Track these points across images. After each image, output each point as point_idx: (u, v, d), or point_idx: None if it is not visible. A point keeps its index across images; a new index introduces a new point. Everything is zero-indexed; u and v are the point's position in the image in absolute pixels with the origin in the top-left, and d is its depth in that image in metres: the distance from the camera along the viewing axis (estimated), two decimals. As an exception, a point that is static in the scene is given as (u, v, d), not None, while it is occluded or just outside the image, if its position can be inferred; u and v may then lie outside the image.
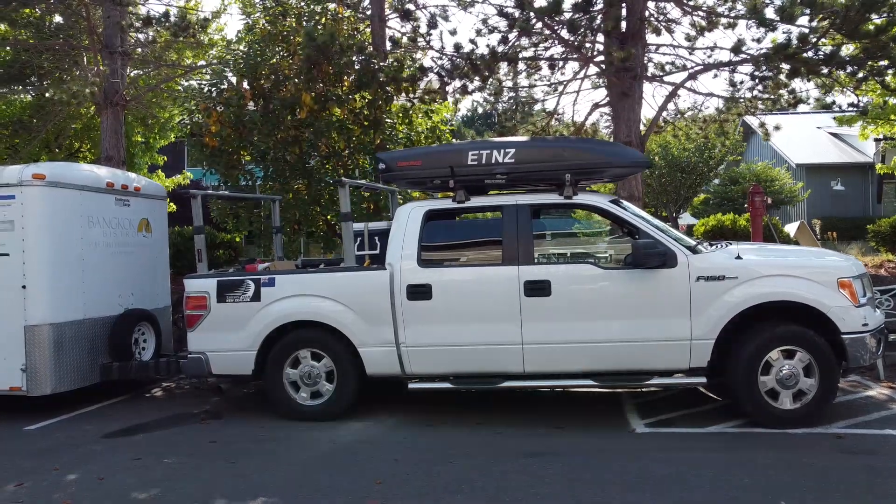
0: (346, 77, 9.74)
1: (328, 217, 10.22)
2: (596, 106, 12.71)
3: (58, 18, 14.01)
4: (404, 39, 9.05)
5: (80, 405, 7.41)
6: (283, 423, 6.50)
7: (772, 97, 10.95)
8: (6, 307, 6.91)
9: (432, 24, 8.57)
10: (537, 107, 14.91)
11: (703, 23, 11.11)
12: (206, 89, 10.49)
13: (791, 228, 17.80)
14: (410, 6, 8.21)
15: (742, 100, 12.23)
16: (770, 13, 9.94)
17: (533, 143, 6.90)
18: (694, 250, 6.06)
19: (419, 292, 6.30)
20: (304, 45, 8.71)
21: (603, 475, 4.84)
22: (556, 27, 8.50)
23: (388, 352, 6.38)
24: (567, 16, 9.23)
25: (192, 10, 11.38)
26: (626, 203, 6.66)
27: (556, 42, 9.52)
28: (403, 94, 10.12)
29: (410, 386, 6.37)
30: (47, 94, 15.31)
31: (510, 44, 9.05)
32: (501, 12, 8.48)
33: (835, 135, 32.67)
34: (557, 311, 6.08)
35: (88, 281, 7.40)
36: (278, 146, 9.50)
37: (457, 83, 9.96)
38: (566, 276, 6.16)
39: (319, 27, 9.72)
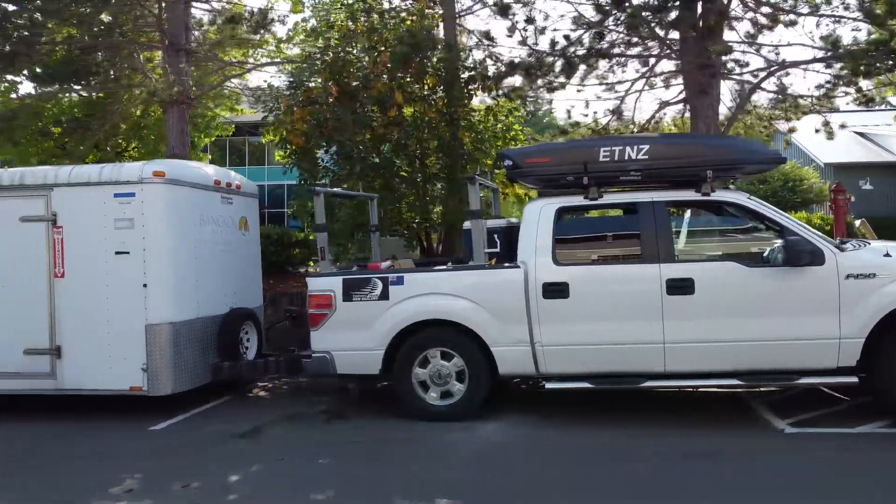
0: (428, 75, 9.63)
1: (415, 216, 10.13)
2: (665, 104, 12.66)
3: (105, 17, 13.93)
4: (497, 36, 8.97)
5: (190, 405, 7.31)
6: (413, 423, 6.40)
7: (852, 95, 10.85)
8: (126, 306, 6.82)
9: (529, 20, 8.48)
10: (599, 105, 14.79)
11: (786, 18, 11.00)
12: (285, 88, 10.38)
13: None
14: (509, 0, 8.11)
15: (811, 97, 12.17)
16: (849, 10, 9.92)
17: (667, 140, 6.85)
18: (840, 248, 5.98)
19: (555, 290, 6.21)
20: (399, 43, 8.62)
21: (774, 480, 4.72)
22: (650, 25, 8.39)
23: (522, 351, 6.30)
24: (649, 13, 9.15)
25: (271, 8, 11.30)
26: (759, 200, 6.57)
27: (644, 39, 9.42)
28: (484, 92, 10.04)
29: (548, 386, 6.28)
30: (100, 94, 15.29)
31: (603, 39, 8.96)
32: (599, 8, 8.39)
33: (861, 134, 32.59)
34: (701, 310, 5.99)
35: (201, 280, 7.32)
36: (367, 145, 9.39)
37: (539, 81, 9.88)
38: (710, 273, 6.08)
39: (404, 25, 9.66)
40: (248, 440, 6.12)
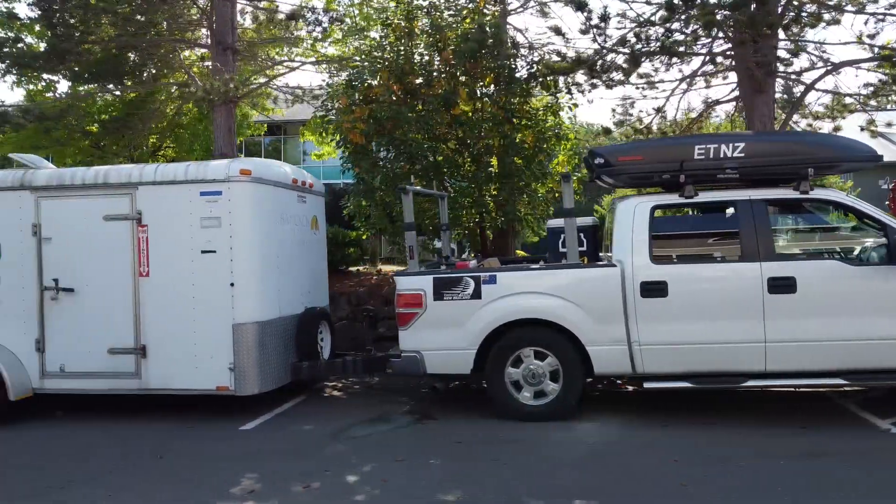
0: (490, 72, 9.57)
1: (474, 215, 10.07)
2: (716, 102, 12.62)
3: (147, 16, 13.85)
4: (569, 31, 8.91)
5: (270, 405, 7.26)
6: (504, 422, 6.36)
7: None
8: (213, 305, 6.77)
9: (604, 18, 8.44)
10: (644, 104, 14.76)
11: (828, 16, 10.95)
12: (342, 86, 10.32)
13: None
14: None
15: (858, 96, 12.13)
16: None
17: (763, 138, 6.79)
18: (943, 246, 5.93)
19: (654, 289, 6.17)
20: (466, 40, 8.57)
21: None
22: (722, 25, 8.33)
23: (618, 350, 6.25)
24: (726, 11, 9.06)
25: (333, 7, 11.26)
26: (855, 197, 6.53)
27: (713, 37, 9.37)
28: (543, 89, 9.99)
29: (646, 385, 6.24)
30: (134, 93, 15.22)
31: (672, 37, 8.91)
32: (670, 6, 8.33)
33: (880, 134, 32.55)
34: (804, 308, 5.95)
35: (281, 279, 7.28)
36: (428, 143, 9.34)
37: (598, 78, 9.83)
38: (813, 272, 6.03)
39: (464, 23, 9.61)
40: (348, 441, 6.07)
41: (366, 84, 9.68)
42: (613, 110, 13.40)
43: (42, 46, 12.84)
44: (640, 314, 6.20)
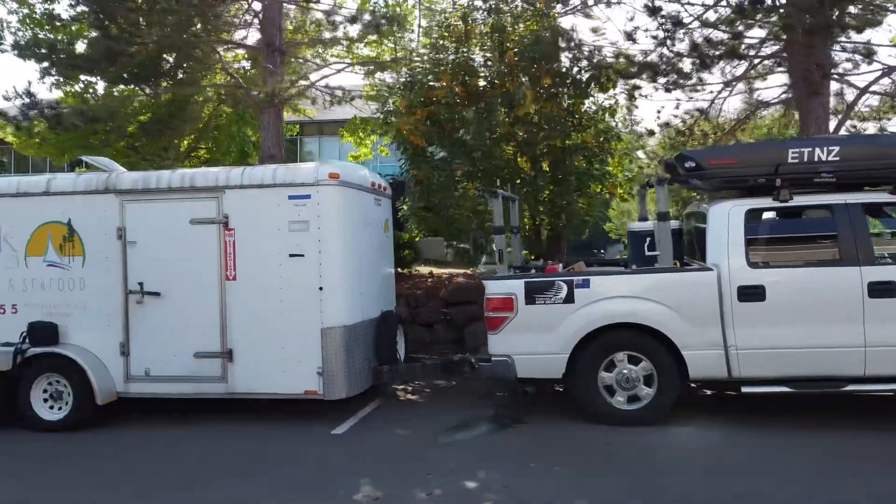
0: (552, 74, 9.56)
1: (536, 217, 10.07)
2: (765, 104, 12.59)
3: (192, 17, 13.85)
4: (644, 36, 8.90)
5: (352, 409, 7.24)
6: (596, 426, 6.33)
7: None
8: (301, 309, 6.76)
9: (678, 23, 8.42)
10: (686, 105, 14.74)
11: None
12: (399, 88, 10.30)
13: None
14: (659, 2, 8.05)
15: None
16: None
17: (859, 141, 6.78)
18: None
19: (752, 294, 6.16)
20: (534, 43, 8.56)
21: None
22: (794, 29, 8.32)
23: (714, 354, 6.24)
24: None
25: (394, 7, 11.27)
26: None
27: (781, 39, 9.34)
28: (602, 91, 9.98)
29: (744, 389, 6.23)
30: (168, 94, 15.20)
31: (741, 40, 8.90)
32: (741, 10, 8.32)
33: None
34: (906, 313, 5.94)
35: (363, 282, 7.27)
36: (492, 145, 9.32)
37: (660, 80, 9.82)
38: (915, 276, 6.02)
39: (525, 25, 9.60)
40: (448, 445, 6.06)
41: (427, 86, 9.66)
42: (659, 112, 13.42)
43: (78, 48, 12.81)
44: (737, 318, 6.19)
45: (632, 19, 22.69)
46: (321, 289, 6.74)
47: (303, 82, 11.75)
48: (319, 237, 6.76)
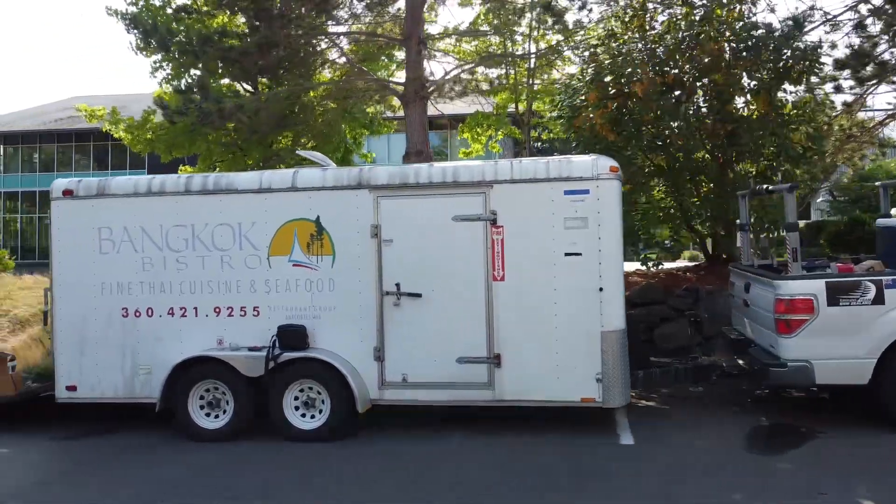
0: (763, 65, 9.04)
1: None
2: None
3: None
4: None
5: (598, 418, 6.84)
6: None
7: None
8: (578, 311, 6.35)
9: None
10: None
11: None
12: (586, 81, 9.86)
13: None
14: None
15: None
16: None
17: None
18: None
19: None
20: (750, 31, 8.13)
21: None
22: None
23: None
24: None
25: None
26: None
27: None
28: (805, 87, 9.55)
29: None
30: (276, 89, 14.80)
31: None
32: None
33: None
34: None
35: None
36: (700, 142, 8.86)
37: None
38: None
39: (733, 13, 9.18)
40: (770, 455, 5.68)
41: (622, 78, 9.23)
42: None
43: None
44: None
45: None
46: (601, 289, 6.33)
47: (458, 73, 11.31)
48: (599, 235, 6.35)
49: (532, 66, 13.12)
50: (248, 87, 15.13)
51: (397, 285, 6.61)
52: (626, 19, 10.11)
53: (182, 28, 12.62)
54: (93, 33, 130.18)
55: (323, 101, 15.23)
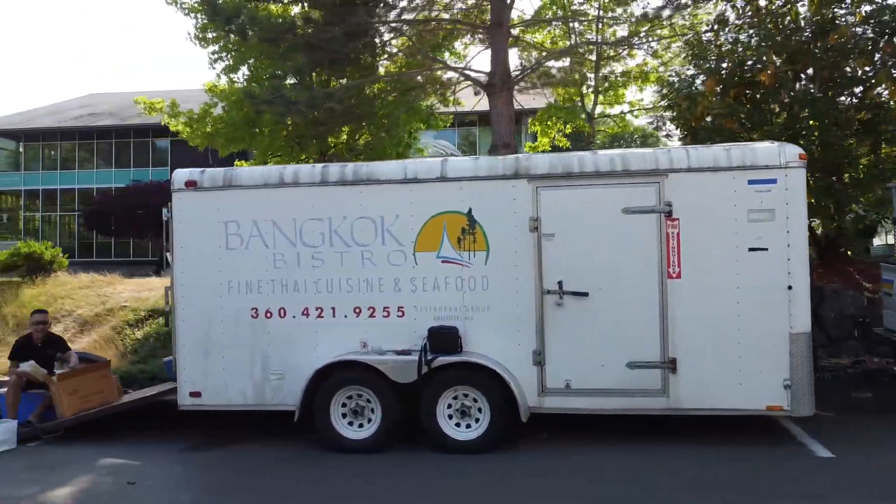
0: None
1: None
2: None
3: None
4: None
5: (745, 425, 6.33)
6: None
7: None
8: (764, 312, 5.82)
9: None
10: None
11: None
12: (695, 72, 9.35)
13: None
14: None
15: None
16: None
17: None
18: None
19: None
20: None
21: None
22: None
23: None
24: None
25: None
26: None
27: None
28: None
29: None
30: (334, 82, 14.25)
31: None
32: None
33: None
34: None
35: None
36: (832, 131, 8.33)
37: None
38: None
39: None
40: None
41: (744, 65, 8.69)
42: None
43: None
44: None
45: None
46: (790, 288, 5.80)
47: (554, 62, 10.78)
48: (788, 228, 5.82)
49: (615, 54, 12.54)
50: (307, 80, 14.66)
51: (559, 283, 6.08)
52: (740, 4, 9.57)
53: (253, 16, 12.05)
54: (92, 33, 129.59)
55: (384, 94, 14.71)
